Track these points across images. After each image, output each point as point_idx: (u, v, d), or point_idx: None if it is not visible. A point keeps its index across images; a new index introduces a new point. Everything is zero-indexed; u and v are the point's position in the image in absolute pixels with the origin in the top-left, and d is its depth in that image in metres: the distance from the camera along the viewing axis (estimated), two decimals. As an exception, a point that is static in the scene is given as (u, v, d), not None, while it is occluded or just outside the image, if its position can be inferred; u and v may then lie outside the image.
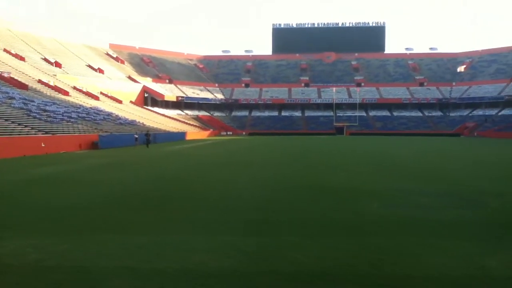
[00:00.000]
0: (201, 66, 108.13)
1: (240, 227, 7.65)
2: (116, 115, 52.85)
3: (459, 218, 8.44)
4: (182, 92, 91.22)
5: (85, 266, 5.49)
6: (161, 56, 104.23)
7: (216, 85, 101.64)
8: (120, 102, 67.52)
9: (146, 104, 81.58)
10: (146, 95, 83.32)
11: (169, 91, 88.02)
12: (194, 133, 67.26)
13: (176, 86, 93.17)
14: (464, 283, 4.93)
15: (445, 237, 6.96)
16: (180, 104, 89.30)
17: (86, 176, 15.78)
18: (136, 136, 38.71)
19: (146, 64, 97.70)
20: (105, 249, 6.26)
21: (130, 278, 5.06)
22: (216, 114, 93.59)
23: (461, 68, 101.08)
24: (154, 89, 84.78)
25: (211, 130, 78.93)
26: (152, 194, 11.31)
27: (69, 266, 5.50)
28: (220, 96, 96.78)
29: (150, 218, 8.39)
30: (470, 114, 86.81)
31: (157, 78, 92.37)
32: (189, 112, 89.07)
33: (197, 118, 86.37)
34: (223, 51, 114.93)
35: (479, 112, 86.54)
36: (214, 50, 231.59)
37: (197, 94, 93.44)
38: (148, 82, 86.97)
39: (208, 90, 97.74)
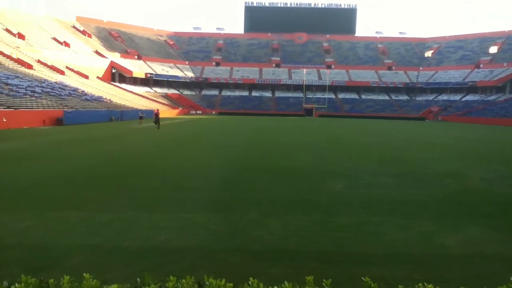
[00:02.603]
0: (171, 42, 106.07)
1: (207, 206, 7.67)
2: (82, 91, 51.46)
3: (419, 198, 8.72)
4: (151, 69, 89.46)
5: (46, 243, 5.40)
6: (130, 31, 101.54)
7: (186, 62, 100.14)
8: (86, 77, 65.68)
9: (113, 80, 79.72)
10: (113, 70, 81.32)
11: (138, 68, 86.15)
12: (163, 112, 66.25)
13: (145, 63, 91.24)
14: (424, 260, 5.12)
15: (405, 217, 7.18)
16: (149, 81, 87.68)
17: (47, 152, 15.38)
18: (142, 115, 39.09)
19: (114, 38, 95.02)
20: (67, 227, 6.16)
21: (93, 256, 5.01)
22: (186, 92, 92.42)
23: (428, 53, 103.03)
24: (122, 65, 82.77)
25: (180, 108, 77.99)
26: (116, 172, 11.16)
27: (30, 243, 5.40)
28: (190, 74, 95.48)
29: (114, 195, 8.30)
30: (435, 99, 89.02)
31: (126, 54, 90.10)
32: (158, 90, 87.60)
33: (166, 96, 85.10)
34: (194, 28, 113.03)
35: (444, 97, 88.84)
36: (185, 26, 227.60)
37: (167, 71, 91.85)
38: (116, 57, 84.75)
39: (178, 68, 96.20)
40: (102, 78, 74.12)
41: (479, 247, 5.66)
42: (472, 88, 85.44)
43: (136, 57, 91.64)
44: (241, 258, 5.08)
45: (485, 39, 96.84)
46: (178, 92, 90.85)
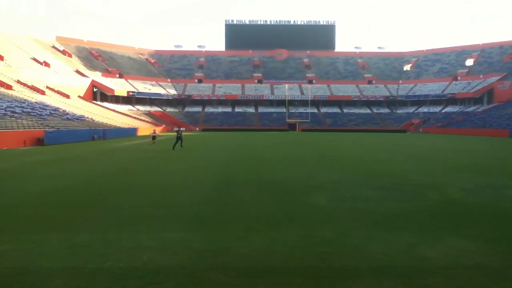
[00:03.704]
0: (152, 60, 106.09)
1: (189, 222, 7.61)
2: (63, 110, 50.92)
3: (402, 210, 8.80)
4: (133, 87, 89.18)
5: (25, 267, 5.28)
6: (110, 50, 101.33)
7: (169, 80, 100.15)
8: (67, 96, 65.08)
9: (95, 99, 79.14)
10: (95, 89, 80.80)
11: (120, 86, 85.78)
12: (146, 129, 65.97)
13: (127, 81, 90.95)
14: (406, 273, 5.15)
15: (388, 229, 7.23)
16: (131, 99, 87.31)
17: (26, 172, 15.11)
18: (154, 134, 33.20)
19: (95, 58, 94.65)
20: (47, 249, 6.04)
21: (73, 278, 4.92)
22: (169, 109, 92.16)
23: (407, 67, 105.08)
24: (104, 83, 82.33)
25: (164, 126, 77.68)
26: (98, 190, 11.01)
27: (9, 267, 5.27)
28: (172, 91, 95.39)
29: (94, 215, 8.17)
30: (416, 111, 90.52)
31: (107, 73, 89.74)
32: (141, 108, 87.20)
33: (149, 114, 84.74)
34: (176, 46, 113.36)
35: (424, 109, 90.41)
36: (166, 45, 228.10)
37: (149, 89, 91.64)
38: (97, 76, 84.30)
39: (160, 85, 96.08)
40: (84, 97, 73.53)
41: (460, 258, 5.72)
42: (451, 100, 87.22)
43: (117, 75, 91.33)
44: (226, 276, 5.04)
45: (461, 52, 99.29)
46: (161, 110, 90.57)
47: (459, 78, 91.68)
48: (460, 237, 6.72)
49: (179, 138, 28.22)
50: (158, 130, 71.66)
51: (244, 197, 10.17)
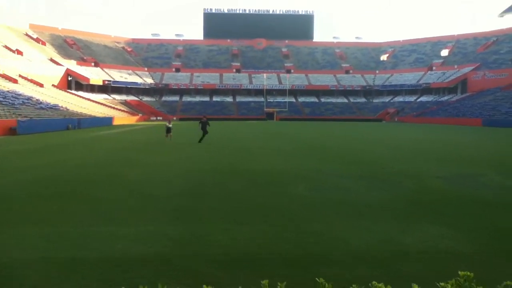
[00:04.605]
0: (129, 49, 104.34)
1: (169, 214, 7.55)
2: (37, 99, 49.73)
3: (380, 199, 8.93)
4: (109, 75, 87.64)
5: (0, 259, 5.16)
6: (86, 38, 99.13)
7: (146, 69, 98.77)
8: (41, 85, 63.51)
9: (70, 88, 77.49)
10: (70, 78, 79.08)
11: (95, 75, 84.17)
12: (122, 118, 65.08)
13: (103, 70, 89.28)
14: (384, 260, 5.24)
15: (368, 218, 7.33)
16: (107, 88, 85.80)
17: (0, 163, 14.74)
18: (170, 126, 25.05)
19: (69, 46, 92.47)
20: (22, 241, 5.91)
21: (48, 269, 4.82)
22: (146, 99, 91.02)
23: (384, 57, 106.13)
24: (79, 72, 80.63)
25: (140, 115, 76.72)
26: (74, 181, 10.82)
27: (-19, 260, 5.14)
28: (149, 80, 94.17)
29: (72, 206, 8.03)
30: (392, 101, 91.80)
31: (82, 61, 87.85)
32: (117, 97, 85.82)
33: (125, 103, 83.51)
34: (153, 35, 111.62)
35: (399, 98, 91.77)
36: (143, 33, 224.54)
37: (125, 78, 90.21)
38: (72, 65, 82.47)
39: (137, 74, 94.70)
40: (58, 86, 71.93)
41: (435, 245, 5.84)
42: (426, 90, 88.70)
43: (93, 64, 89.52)
44: (203, 265, 5.02)
45: (437, 43, 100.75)
46: (137, 99, 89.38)
47: (434, 68, 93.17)
48: (436, 224, 6.86)
49: (204, 129, 23.68)
50: (134, 119, 70.72)
51: (226, 188, 10.15)
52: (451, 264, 5.04)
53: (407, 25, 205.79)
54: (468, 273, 1.92)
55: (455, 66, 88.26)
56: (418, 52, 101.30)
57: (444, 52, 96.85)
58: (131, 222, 6.91)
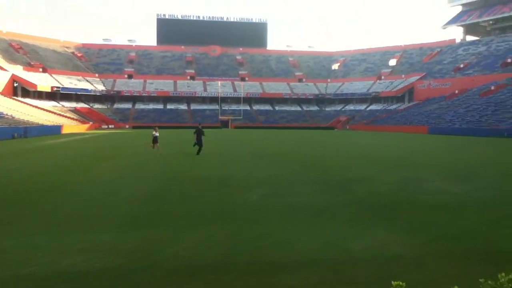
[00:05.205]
0: (79, 54, 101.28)
1: (118, 222, 7.41)
2: (-21, 106, 47.30)
3: (331, 204, 9.15)
4: (58, 82, 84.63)
5: None
6: (33, 42, 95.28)
7: (97, 75, 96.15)
8: (-17, 91, 60.48)
9: (15, 94, 74.11)
10: (15, 84, 75.67)
11: (43, 81, 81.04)
12: (72, 127, 63.00)
13: (51, 76, 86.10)
14: (333, 265, 5.37)
15: (318, 223, 7.50)
16: (56, 95, 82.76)
17: None
18: (156, 134, 22.59)
19: (15, 50, 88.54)
20: (-40, 257, 5.61)
21: (-11, 287, 4.61)
22: (96, 106, 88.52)
23: (335, 66, 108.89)
24: (25, 78, 77.31)
25: (91, 123, 74.56)
26: (22, 190, 10.37)
27: None
28: (100, 87, 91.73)
29: (22, 217, 7.69)
30: (343, 109, 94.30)
31: (29, 66, 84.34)
32: (66, 104, 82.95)
33: (74, 111, 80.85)
34: (104, 40, 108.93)
35: (350, 107, 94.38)
36: (94, 38, 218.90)
37: (75, 84, 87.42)
38: (18, 70, 78.99)
39: (88, 81, 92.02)
40: (3, 93, 68.69)
41: (382, 249, 6.05)
42: (376, 98, 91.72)
43: (41, 69, 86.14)
44: (156, 276, 4.96)
45: (386, 53, 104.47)
46: (88, 106, 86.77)
47: (383, 77, 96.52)
48: (383, 228, 7.11)
49: (198, 140, 20.70)
50: (84, 128, 68.68)
51: (180, 195, 10.08)
52: (397, 268, 5.24)
53: (358, 35, 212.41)
54: (401, 283, 2.02)
55: (403, 76, 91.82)
56: (368, 62, 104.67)
57: (392, 62, 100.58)
58: (83, 232, 6.71)
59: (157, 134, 22.35)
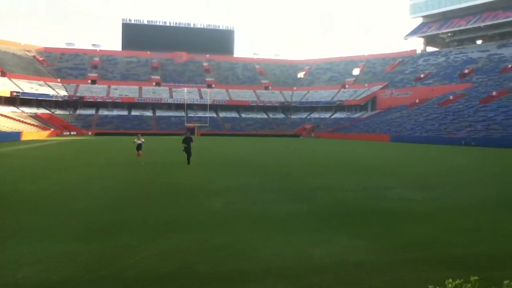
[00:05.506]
0: (41, 58, 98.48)
1: (77, 232, 7.18)
2: None
3: (295, 212, 9.22)
4: (18, 86, 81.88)
5: None
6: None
7: (59, 80, 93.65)
8: None
9: (-29, 99, 71.31)
10: (-29, 88, 72.81)
11: (2, 85, 78.23)
12: (32, 133, 61.02)
13: (10, 80, 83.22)
14: (297, 273, 5.39)
15: (282, 231, 7.52)
16: (15, 100, 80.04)
17: None
18: (140, 142, 21.36)
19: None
20: None
21: None
22: (58, 112, 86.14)
23: (301, 74, 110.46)
24: (-18, 82, 74.51)
25: (52, 129, 72.48)
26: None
27: None
28: (63, 92, 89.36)
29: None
30: (308, 117, 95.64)
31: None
32: (26, 110, 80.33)
33: (35, 117, 78.39)
34: (67, 44, 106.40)
35: (315, 115, 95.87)
36: (57, 42, 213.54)
37: (36, 89, 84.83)
38: (-26, 74, 76.06)
39: (49, 86, 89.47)
40: (-43, 97, 65.93)
41: (346, 256, 6.14)
42: (340, 107, 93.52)
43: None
44: (115, 287, 4.83)
45: (350, 62, 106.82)
46: (49, 112, 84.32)
47: (347, 86, 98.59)
48: (347, 235, 7.22)
49: (187, 148, 19.86)
50: (45, 134, 66.68)
51: (142, 204, 9.92)
52: (360, 275, 5.34)
53: (323, 44, 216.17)
54: None
55: (366, 85, 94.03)
56: (333, 71, 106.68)
57: (356, 71, 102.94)
58: (39, 243, 6.46)
59: (140, 141, 21.09)
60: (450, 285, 2.16)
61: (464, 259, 6.05)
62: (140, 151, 20.87)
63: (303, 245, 6.65)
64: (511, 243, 7.03)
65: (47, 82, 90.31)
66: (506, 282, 2.20)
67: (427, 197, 11.53)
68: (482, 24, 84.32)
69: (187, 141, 19.88)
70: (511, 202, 10.94)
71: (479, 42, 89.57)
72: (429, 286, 2.22)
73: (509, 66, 71.12)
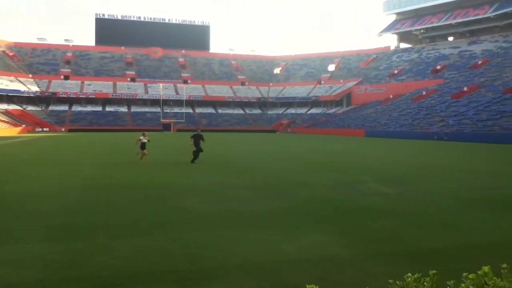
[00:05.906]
0: (11, 53, 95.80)
1: (48, 232, 7.09)
2: None
3: (271, 208, 9.30)
4: (-14, 82, 79.65)
5: None
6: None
7: (30, 76, 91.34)
8: None
9: None
10: None
11: (-31, 81, 75.99)
12: (2, 130, 59.50)
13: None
14: (271, 269, 5.45)
15: (257, 228, 7.58)
16: (-16, 96, 77.89)
17: None
18: (145, 140, 19.11)
19: None
20: None
21: None
22: (30, 108, 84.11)
23: (277, 70, 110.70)
24: (-51, 77, 72.14)
25: (24, 126, 70.76)
26: None
27: None
28: (34, 88, 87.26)
29: None
30: (285, 113, 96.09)
31: (-47, 65, 78.79)
32: (-4, 106, 78.29)
33: (5, 113, 76.31)
34: (39, 39, 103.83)
35: (292, 110, 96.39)
36: (28, 37, 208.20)
37: (6, 85, 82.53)
38: None
39: (20, 81, 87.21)
40: None
41: (318, 251, 6.24)
42: (316, 102, 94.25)
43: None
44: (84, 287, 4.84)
45: (325, 58, 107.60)
46: (20, 108, 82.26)
47: (322, 82, 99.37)
48: (321, 232, 7.31)
49: (197, 144, 19.13)
50: (16, 131, 65.08)
51: (114, 204, 9.83)
52: (333, 270, 5.46)
53: (299, 40, 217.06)
54: (315, 286, 2.18)
55: (341, 81, 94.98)
56: (309, 67, 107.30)
57: (331, 67, 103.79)
58: (7, 244, 6.36)
59: (145, 140, 19.05)
60: (409, 279, 2.26)
61: (430, 252, 6.25)
62: (145, 150, 19.12)
63: (277, 241, 6.72)
64: (471, 236, 7.27)
65: (18, 78, 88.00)
66: (465, 274, 2.31)
67: (398, 191, 11.80)
68: (453, 22, 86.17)
69: (197, 139, 19.04)
70: (477, 198, 11.29)
71: (450, 39, 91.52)
72: (389, 280, 2.32)
73: (479, 62, 72.94)
